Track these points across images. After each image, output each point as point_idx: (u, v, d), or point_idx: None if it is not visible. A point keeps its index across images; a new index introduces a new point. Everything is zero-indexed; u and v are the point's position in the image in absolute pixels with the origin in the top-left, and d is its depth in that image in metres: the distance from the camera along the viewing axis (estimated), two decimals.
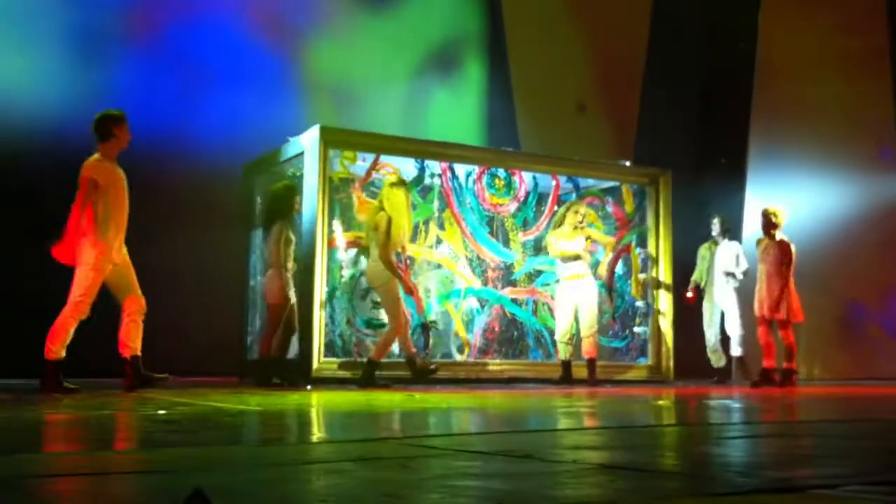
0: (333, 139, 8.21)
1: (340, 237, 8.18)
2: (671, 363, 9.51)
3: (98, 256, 6.31)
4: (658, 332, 9.62)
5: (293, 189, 8.15)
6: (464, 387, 7.95)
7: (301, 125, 8.77)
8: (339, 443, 3.24)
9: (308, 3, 11.28)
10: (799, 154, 11.36)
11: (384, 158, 8.65)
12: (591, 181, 9.92)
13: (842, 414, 5.09)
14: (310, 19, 11.31)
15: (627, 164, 10.09)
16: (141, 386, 6.50)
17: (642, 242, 9.84)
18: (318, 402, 5.55)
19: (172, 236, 9.63)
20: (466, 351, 8.98)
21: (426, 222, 8.98)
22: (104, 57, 9.88)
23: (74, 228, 6.27)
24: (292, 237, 7.96)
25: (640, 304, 9.78)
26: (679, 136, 11.87)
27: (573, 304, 8.71)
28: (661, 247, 9.72)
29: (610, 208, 9.87)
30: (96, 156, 6.42)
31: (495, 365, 8.90)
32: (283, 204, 8.03)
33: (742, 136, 11.47)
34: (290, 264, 7.97)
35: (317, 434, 3.61)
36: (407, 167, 8.84)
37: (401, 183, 7.75)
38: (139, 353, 6.64)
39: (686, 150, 11.66)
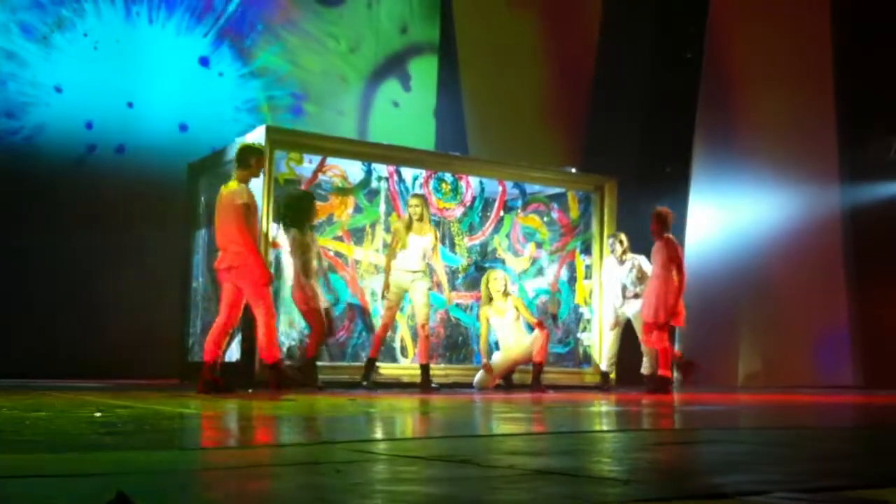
0: (280, 140, 8.16)
1: (283, 239, 8.10)
2: (614, 370, 9.58)
3: (264, 273, 6.93)
4: (601, 339, 9.70)
5: (309, 197, 8.00)
6: (407, 391, 7.94)
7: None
8: (275, 447, 3.21)
9: (259, 2, 11.20)
10: (742, 163, 11.56)
11: (331, 161, 8.62)
12: (537, 187, 9.98)
13: (776, 421, 5.18)
14: (261, 19, 11.24)
15: (573, 170, 10.18)
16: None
17: (587, 249, 9.92)
18: (257, 407, 5.50)
19: (114, 235, 9.51)
20: (410, 355, 8.97)
21: (372, 225, 8.97)
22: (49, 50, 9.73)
23: (231, 246, 6.89)
24: (309, 243, 7.79)
25: (583, 310, 9.86)
26: (625, 145, 12.00)
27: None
28: (604, 253, 9.81)
29: (555, 214, 9.95)
30: (236, 182, 6.99)
31: (439, 369, 8.90)
32: (298, 212, 7.83)
33: (686, 145, 11.63)
34: (313, 270, 7.77)
35: (254, 438, 3.58)
36: (354, 170, 8.82)
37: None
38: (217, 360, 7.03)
39: (631, 158, 11.79)
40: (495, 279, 8.76)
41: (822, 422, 5.21)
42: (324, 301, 7.82)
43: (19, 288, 9.26)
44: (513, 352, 8.71)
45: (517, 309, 8.81)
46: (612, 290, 9.25)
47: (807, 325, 11.68)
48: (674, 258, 8.39)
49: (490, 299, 8.76)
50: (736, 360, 11.38)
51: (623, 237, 9.24)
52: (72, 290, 9.45)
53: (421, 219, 8.18)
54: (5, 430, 3.52)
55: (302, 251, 7.69)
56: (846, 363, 11.80)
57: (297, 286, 7.70)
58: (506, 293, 8.76)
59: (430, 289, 8.36)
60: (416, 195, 8.51)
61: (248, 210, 6.90)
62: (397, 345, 9.03)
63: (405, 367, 8.81)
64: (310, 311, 7.66)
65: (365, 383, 7.99)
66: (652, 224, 8.53)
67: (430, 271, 8.49)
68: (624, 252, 9.17)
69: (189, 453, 2.98)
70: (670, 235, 8.55)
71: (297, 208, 7.83)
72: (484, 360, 8.75)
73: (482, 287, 8.87)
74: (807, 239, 11.60)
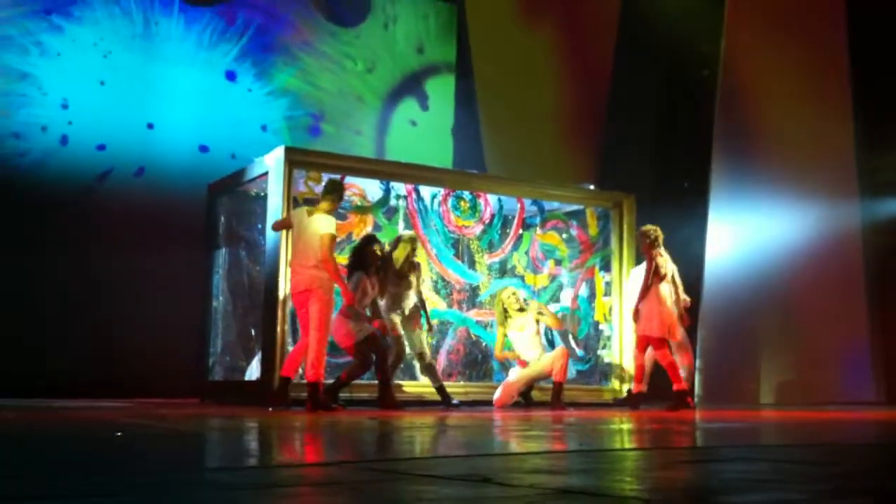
0: (298, 159, 8.21)
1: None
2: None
3: (347, 296, 7.53)
4: (621, 356, 9.66)
5: (370, 239, 8.03)
6: (427, 409, 7.94)
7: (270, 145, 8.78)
8: (295, 467, 3.22)
9: (277, 25, 11.31)
10: (761, 178, 11.51)
11: (349, 179, 8.66)
12: (555, 204, 9.98)
13: (799, 438, 5.14)
14: (279, 41, 11.34)
15: (591, 187, 10.17)
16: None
17: (606, 266, 9.90)
18: (278, 425, 5.51)
19: (134, 255, 9.59)
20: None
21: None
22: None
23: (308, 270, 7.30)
24: (370, 290, 7.83)
25: (603, 327, 9.83)
26: (643, 161, 11.99)
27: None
28: (624, 270, 9.79)
29: (574, 232, 9.94)
30: (323, 212, 7.37)
31: (458, 387, 8.89)
32: (360, 256, 7.87)
33: (704, 160, 11.60)
34: (362, 311, 7.79)
35: (274, 458, 3.58)
36: (372, 188, 8.85)
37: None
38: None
39: (650, 175, 11.77)
40: (509, 297, 8.70)
41: (844, 438, 5.16)
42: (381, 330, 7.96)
43: (39, 308, 9.33)
44: (531, 368, 8.68)
45: (540, 315, 8.77)
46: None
47: (827, 341, 11.57)
48: (649, 272, 8.45)
49: (506, 317, 8.71)
50: (756, 376, 11.28)
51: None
52: (92, 311, 9.52)
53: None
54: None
55: (363, 293, 7.71)
56: (867, 379, 11.70)
57: (340, 322, 7.67)
58: (521, 308, 8.72)
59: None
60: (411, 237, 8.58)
61: (333, 241, 7.36)
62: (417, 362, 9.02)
63: (426, 384, 8.80)
64: (354, 345, 7.65)
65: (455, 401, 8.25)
66: (639, 244, 8.75)
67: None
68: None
69: (209, 472, 2.99)
70: (657, 251, 8.56)
71: (360, 251, 7.90)
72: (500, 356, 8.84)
73: (496, 307, 8.79)
74: (827, 255, 11.52)
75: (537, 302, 9.08)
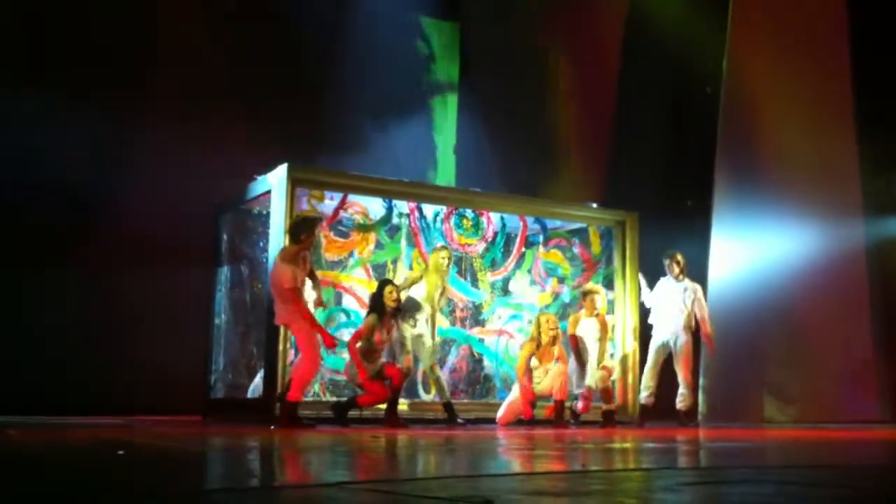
0: (301, 178, 8.21)
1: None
2: (637, 405, 9.50)
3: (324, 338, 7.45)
4: (624, 373, 9.63)
5: (383, 283, 7.99)
6: (430, 427, 7.90)
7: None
8: (295, 488, 3.19)
9: (282, 44, 11.33)
10: (764, 196, 11.48)
11: (352, 198, 8.67)
12: (558, 222, 9.97)
13: (804, 459, 5.10)
14: (283, 59, 11.36)
15: (594, 205, 10.17)
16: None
17: (609, 284, 9.87)
18: (279, 444, 5.48)
19: (137, 272, 9.57)
20: (433, 391, 8.93)
21: (394, 262, 8.99)
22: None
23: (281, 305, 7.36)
24: (384, 336, 7.80)
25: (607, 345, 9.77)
26: (646, 179, 11.97)
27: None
28: (627, 288, 9.76)
29: (577, 250, 9.92)
30: (283, 260, 7.27)
31: (461, 405, 8.86)
32: (375, 299, 7.89)
33: (708, 178, 11.59)
34: (374, 352, 7.80)
35: (274, 478, 3.55)
36: (375, 207, 8.85)
37: None
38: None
39: (653, 193, 11.76)
40: (546, 323, 8.51)
41: (852, 460, 5.12)
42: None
43: (40, 325, 9.32)
44: (533, 387, 8.63)
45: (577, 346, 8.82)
46: (666, 312, 9.25)
47: (832, 359, 11.51)
48: None
49: (538, 343, 8.54)
50: (760, 395, 11.23)
51: (680, 257, 9.39)
52: (93, 328, 9.49)
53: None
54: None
55: (368, 334, 7.69)
56: (872, 398, 11.62)
57: (351, 364, 7.68)
58: (553, 341, 8.54)
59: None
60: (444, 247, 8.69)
61: (295, 294, 7.18)
62: (419, 379, 8.99)
63: (429, 402, 8.78)
64: (366, 381, 7.63)
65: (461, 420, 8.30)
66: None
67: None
68: (681, 272, 9.34)
69: (208, 494, 2.96)
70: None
71: (376, 295, 7.89)
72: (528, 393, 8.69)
73: (533, 328, 8.65)
74: (832, 272, 11.46)
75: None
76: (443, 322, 9.14)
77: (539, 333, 8.50)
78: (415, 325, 8.36)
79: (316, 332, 7.26)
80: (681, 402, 9.17)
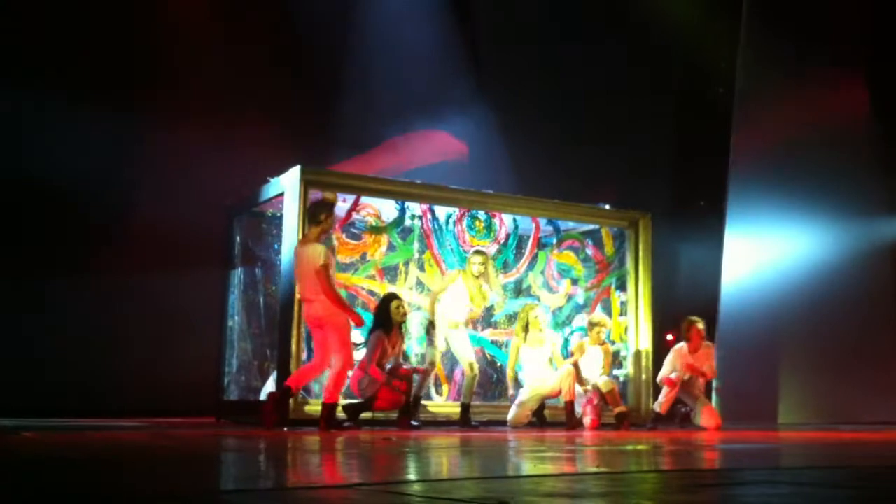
0: (314, 179, 8.21)
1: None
2: (650, 407, 9.46)
3: (356, 320, 7.49)
4: (637, 375, 9.60)
5: (389, 297, 8.00)
6: (442, 429, 7.89)
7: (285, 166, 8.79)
8: (309, 489, 3.19)
9: (296, 51, 11.35)
10: (778, 196, 11.43)
11: (365, 199, 8.66)
12: (570, 224, 9.95)
13: (820, 460, 5.07)
14: (297, 61, 11.39)
15: (607, 206, 10.13)
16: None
17: (622, 285, 9.85)
18: (292, 446, 5.48)
19: (152, 275, 9.61)
20: (445, 393, 8.93)
21: (406, 264, 8.98)
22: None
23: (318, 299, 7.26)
24: (389, 349, 7.83)
25: (619, 346, 9.76)
26: (658, 180, 11.95)
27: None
28: (640, 289, 9.73)
29: (590, 251, 9.90)
30: (310, 242, 7.32)
31: (473, 407, 8.84)
32: (382, 314, 7.90)
33: (721, 178, 11.55)
34: (384, 364, 7.82)
35: (288, 479, 3.55)
36: (387, 208, 8.85)
37: None
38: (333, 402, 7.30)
39: (665, 193, 11.73)
40: (536, 317, 8.76)
41: (869, 461, 5.08)
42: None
43: (54, 327, 9.36)
44: (541, 387, 8.65)
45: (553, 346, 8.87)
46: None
47: (849, 359, 11.45)
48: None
49: (525, 332, 8.72)
50: (776, 396, 11.18)
51: (701, 325, 9.12)
52: (108, 330, 9.53)
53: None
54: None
55: (381, 354, 7.70)
56: (888, 398, 11.55)
57: (355, 376, 7.68)
58: (542, 330, 8.81)
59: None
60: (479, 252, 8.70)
61: (328, 270, 7.17)
62: (431, 380, 8.99)
63: (442, 404, 8.78)
64: (375, 392, 7.63)
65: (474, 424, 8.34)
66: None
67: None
68: (702, 339, 9.11)
69: (226, 494, 2.96)
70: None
71: (382, 309, 7.90)
72: (511, 393, 8.95)
73: (520, 317, 8.84)
74: (847, 272, 11.41)
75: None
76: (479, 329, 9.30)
77: (526, 322, 8.74)
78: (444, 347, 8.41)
79: (346, 313, 7.24)
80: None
